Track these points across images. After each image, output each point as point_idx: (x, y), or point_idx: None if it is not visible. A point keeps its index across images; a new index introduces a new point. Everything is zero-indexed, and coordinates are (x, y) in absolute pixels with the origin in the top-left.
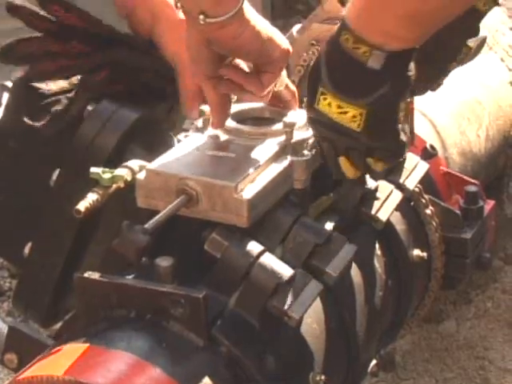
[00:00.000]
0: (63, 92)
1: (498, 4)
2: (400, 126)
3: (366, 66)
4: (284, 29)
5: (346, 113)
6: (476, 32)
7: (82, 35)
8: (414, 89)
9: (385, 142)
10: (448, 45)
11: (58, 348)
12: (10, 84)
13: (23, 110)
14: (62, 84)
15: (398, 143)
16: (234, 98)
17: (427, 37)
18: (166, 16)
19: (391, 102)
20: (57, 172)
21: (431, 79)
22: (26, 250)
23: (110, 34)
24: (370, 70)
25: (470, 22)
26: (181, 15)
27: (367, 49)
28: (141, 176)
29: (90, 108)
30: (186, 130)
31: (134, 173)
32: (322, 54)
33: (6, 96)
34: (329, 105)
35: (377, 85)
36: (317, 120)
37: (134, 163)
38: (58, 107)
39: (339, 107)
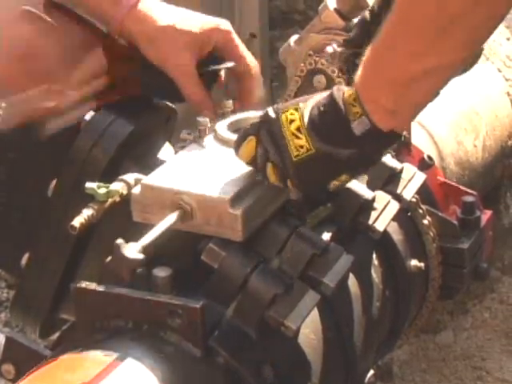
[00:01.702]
0: None
1: None
2: (330, 186)
3: (350, 125)
4: (281, 39)
5: (298, 138)
6: None
7: None
8: None
9: (306, 188)
10: None
11: (56, 359)
12: None
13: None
14: None
15: (318, 194)
16: (231, 107)
17: (411, 117)
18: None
19: (338, 166)
20: (54, 183)
21: None
22: (24, 260)
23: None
24: (349, 129)
25: None
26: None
27: (359, 111)
28: (136, 190)
29: (86, 118)
30: (183, 140)
31: (129, 187)
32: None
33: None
34: (290, 121)
35: (343, 145)
36: (269, 123)
37: (130, 177)
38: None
39: (298, 130)
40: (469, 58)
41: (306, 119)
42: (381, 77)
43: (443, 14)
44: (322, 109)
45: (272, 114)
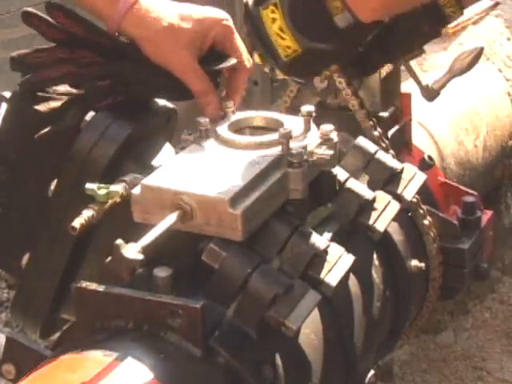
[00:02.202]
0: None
1: (462, 10)
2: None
3: (332, 18)
4: None
5: (283, 39)
6: (436, 35)
7: (87, 44)
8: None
9: (299, 78)
10: (406, 41)
11: (56, 359)
12: (7, 94)
13: (22, 120)
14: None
15: (311, 85)
16: (232, 107)
17: (393, 11)
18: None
19: (326, 58)
20: (54, 183)
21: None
22: (24, 260)
23: (112, 43)
24: (331, 23)
25: (433, 23)
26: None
27: (341, 6)
28: (136, 191)
29: (87, 119)
30: (184, 141)
31: (129, 187)
32: None
33: (4, 106)
34: (272, 20)
35: (327, 39)
36: (252, 22)
37: (130, 177)
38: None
39: (281, 30)
40: None
41: (287, 17)
42: None
43: None
44: (300, 6)
45: (252, 9)
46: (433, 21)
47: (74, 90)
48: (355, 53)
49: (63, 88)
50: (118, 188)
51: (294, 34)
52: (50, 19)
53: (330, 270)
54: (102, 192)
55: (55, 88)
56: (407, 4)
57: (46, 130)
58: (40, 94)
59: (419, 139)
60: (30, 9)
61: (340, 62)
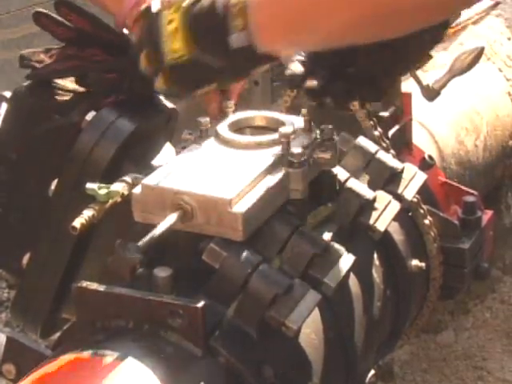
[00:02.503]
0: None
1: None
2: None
3: (227, 36)
4: None
5: (174, 41)
6: (439, 40)
7: (95, 41)
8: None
9: (176, 88)
10: (411, 56)
11: (56, 359)
12: (8, 94)
13: (22, 120)
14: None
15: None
16: (232, 107)
17: (294, 52)
18: None
19: (209, 75)
20: (55, 183)
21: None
22: (25, 260)
23: (119, 40)
24: (226, 41)
25: (433, 30)
26: None
27: (241, 25)
28: (137, 191)
29: (87, 118)
30: (185, 141)
31: (130, 187)
32: None
33: (4, 106)
34: (170, 21)
35: (216, 54)
36: (148, 18)
37: (131, 177)
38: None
39: (176, 31)
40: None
41: (187, 21)
42: (285, 6)
43: None
44: (202, 13)
45: (154, 9)
46: (432, 28)
47: (81, 89)
48: (238, 79)
49: (71, 85)
50: (118, 188)
51: (187, 39)
52: (58, 18)
53: (330, 270)
54: (103, 192)
55: (63, 84)
56: (315, 45)
57: (50, 123)
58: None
59: (420, 139)
60: (40, 9)
61: (221, 82)
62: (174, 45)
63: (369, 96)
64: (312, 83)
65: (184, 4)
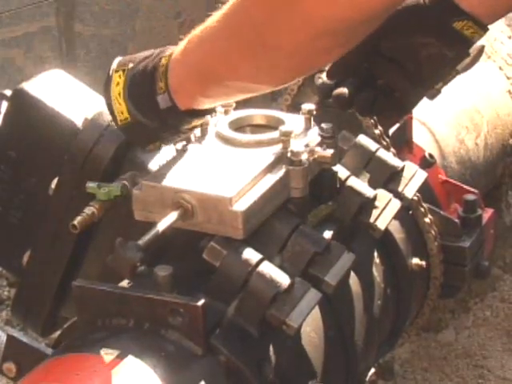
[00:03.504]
0: None
1: (485, 28)
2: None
3: (156, 97)
4: None
5: (119, 104)
6: (464, 56)
7: None
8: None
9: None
10: (437, 71)
11: (57, 357)
12: (8, 92)
13: (22, 118)
14: None
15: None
16: (233, 104)
17: (213, 105)
18: None
19: (150, 134)
20: (55, 181)
21: (416, 97)
22: (25, 258)
23: None
24: (155, 102)
25: (456, 48)
26: None
27: (164, 87)
28: (137, 189)
29: (87, 117)
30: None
31: (130, 186)
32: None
33: (4, 105)
34: (117, 84)
35: (150, 116)
36: (106, 78)
37: (131, 176)
38: None
39: (119, 95)
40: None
41: (126, 85)
42: (195, 65)
43: (260, 43)
44: (136, 75)
45: (111, 70)
46: (456, 46)
47: None
48: (177, 135)
49: None
50: (118, 186)
51: (126, 103)
52: None
53: (330, 269)
54: (103, 190)
55: None
56: (231, 96)
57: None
58: None
59: (420, 137)
60: None
61: (162, 139)
62: (119, 108)
63: (392, 109)
64: (342, 91)
65: (129, 66)
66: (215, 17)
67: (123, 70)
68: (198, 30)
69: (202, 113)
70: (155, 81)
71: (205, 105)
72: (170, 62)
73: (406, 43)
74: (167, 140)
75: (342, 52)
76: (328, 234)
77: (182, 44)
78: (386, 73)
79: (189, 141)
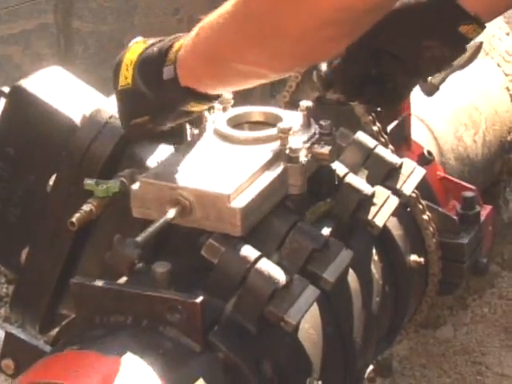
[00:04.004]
0: None
1: (484, 28)
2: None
3: (162, 68)
4: None
5: (127, 70)
6: (460, 53)
7: None
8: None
9: (121, 117)
10: (437, 69)
11: (55, 354)
12: (6, 89)
13: (20, 115)
14: None
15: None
16: (231, 101)
17: (214, 90)
18: None
19: (143, 104)
20: (53, 178)
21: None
22: (23, 255)
23: None
24: (160, 72)
25: (460, 50)
26: None
27: (173, 59)
28: (135, 186)
29: (85, 114)
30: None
31: (128, 183)
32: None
33: (3, 102)
34: (133, 51)
35: (151, 85)
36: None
37: (129, 173)
38: None
39: (130, 62)
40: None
41: (141, 54)
42: (203, 47)
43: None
44: (153, 49)
45: (129, 45)
46: (459, 48)
47: None
48: (169, 114)
49: None
50: (116, 183)
51: (134, 71)
52: None
53: (329, 266)
54: (101, 187)
55: None
56: (235, 80)
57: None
58: None
59: (418, 134)
60: None
61: (153, 115)
62: (125, 73)
63: (387, 99)
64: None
65: (149, 41)
66: (225, 5)
67: (144, 42)
68: (208, 18)
69: (201, 97)
70: (167, 54)
71: (206, 87)
72: (183, 44)
73: (411, 45)
74: (158, 117)
75: (347, 42)
76: (326, 231)
77: (194, 30)
78: (387, 68)
79: (180, 133)
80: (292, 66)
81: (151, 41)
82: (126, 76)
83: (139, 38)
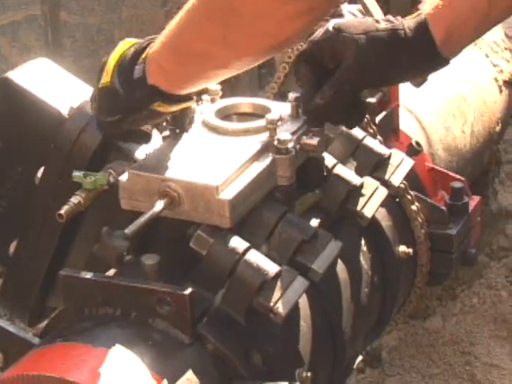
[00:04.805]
0: None
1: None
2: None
3: (135, 65)
4: None
5: (110, 68)
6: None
7: None
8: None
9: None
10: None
11: (44, 346)
12: None
13: (8, 107)
14: None
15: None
16: (220, 93)
17: (182, 85)
18: None
19: (116, 103)
20: (41, 170)
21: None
22: (12, 248)
23: None
24: (132, 71)
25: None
26: None
27: (144, 57)
28: (123, 178)
29: (74, 106)
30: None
31: (117, 175)
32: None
33: None
34: (120, 49)
35: (124, 83)
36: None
37: (117, 165)
38: None
39: (115, 60)
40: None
41: (117, 60)
42: (168, 37)
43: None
44: (131, 49)
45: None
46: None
47: None
48: (137, 113)
49: None
50: (105, 175)
51: (114, 69)
52: None
53: (317, 257)
54: (89, 179)
55: None
56: (206, 78)
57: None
58: None
59: (407, 125)
60: None
61: (124, 113)
62: (108, 70)
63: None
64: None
65: (139, 40)
66: None
67: (130, 42)
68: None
69: (167, 96)
70: (141, 54)
71: (172, 84)
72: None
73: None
74: (129, 117)
75: (304, 22)
76: (315, 222)
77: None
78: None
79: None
80: (252, 47)
81: (137, 41)
82: (107, 75)
83: (128, 39)
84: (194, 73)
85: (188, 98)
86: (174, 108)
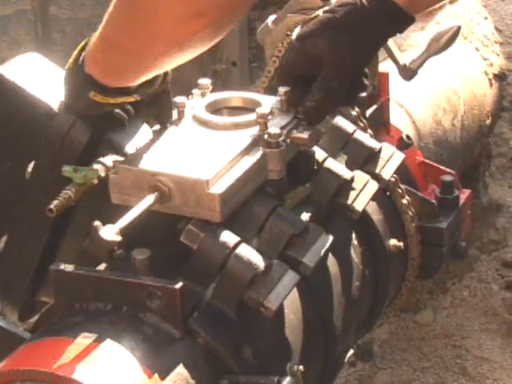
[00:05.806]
0: None
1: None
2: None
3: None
4: (260, 20)
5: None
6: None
7: None
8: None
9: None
10: None
11: (35, 341)
12: None
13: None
14: None
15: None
16: (210, 87)
17: (114, 79)
18: None
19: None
20: (32, 165)
21: None
22: (2, 243)
23: None
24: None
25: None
26: None
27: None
28: (114, 173)
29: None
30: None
31: (107, 169)
32: None
33: None
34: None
35: (72, 68)
36: None
37: (108, 159)
38: None
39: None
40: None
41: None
42: (101, 29)
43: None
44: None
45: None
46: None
47: None
48: (75, 99)
49: None
50: (95, 170)
51: (77, 54)
52: None
53: (308, 250)
54: (79, 174)
55: None
56: (138, 73)
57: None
58: None
59: (397, 119)
60: None
61: (75, 101)
62: (75, 55)
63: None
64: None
65: None
66: None
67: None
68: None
69: (100, 87)
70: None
71: (103, 73)
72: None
73: None
74: (70, 102)
75: (199, 26)
76: (306, 216)
77: None
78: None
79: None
80: (153, 44)
81: None
82: (73, 59)
83: None
84: (117, 64)
85: (127, 91)
86: (113, 101)
